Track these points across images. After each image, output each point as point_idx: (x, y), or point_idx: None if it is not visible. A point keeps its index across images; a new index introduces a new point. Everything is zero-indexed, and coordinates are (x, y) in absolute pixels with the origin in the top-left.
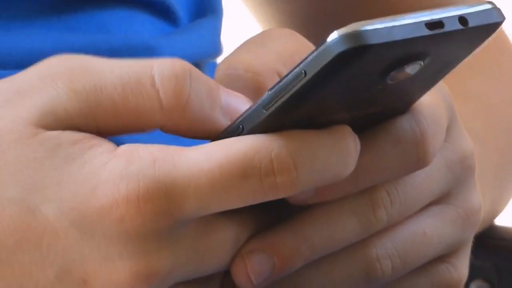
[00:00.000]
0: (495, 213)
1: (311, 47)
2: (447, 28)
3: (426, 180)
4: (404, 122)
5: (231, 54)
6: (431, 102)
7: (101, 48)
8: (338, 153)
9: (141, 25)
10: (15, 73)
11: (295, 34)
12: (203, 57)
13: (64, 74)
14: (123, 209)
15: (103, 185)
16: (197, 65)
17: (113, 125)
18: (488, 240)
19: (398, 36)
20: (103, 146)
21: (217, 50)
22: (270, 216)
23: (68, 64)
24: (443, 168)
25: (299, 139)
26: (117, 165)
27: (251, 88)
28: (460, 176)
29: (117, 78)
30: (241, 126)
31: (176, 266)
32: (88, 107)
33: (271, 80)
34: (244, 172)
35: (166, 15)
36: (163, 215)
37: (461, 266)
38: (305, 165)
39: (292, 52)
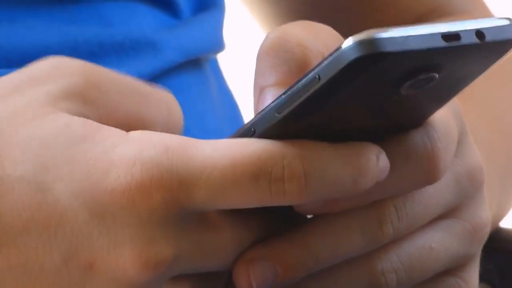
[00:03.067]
0: (500, 217)
1: None
2: (464, 41)
3: (434, 195)
4: (416, 136)
5: (283, 26)
6: (443, 116)
7: (104, 41)
8: (350, 170)
9: (144, 17)
10: None
11: (332, 29)
12: (205, 52)
13: (79, 66)
14: (135, 194)
15: (115, 168)
16: (199, 60)
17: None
18: (491, 243)
19: (413, 46)
20: (113, 130)
21: (220, 45)
22: (276, 223)
23: (80, 61)
24: (452, 182)
25: (313, 151)
26: (130, 149)
27: (299, 61)
28: (469, 190)
29: (135, 86)
30: (253, 129)
31: (181, 256)
32: (103, 100)
33: (318, 61)
34: (256, 174)
35: (169, 8)
36: (173, 204)
37: (471, 280)
38: (315, 177)
39: (334, 44)
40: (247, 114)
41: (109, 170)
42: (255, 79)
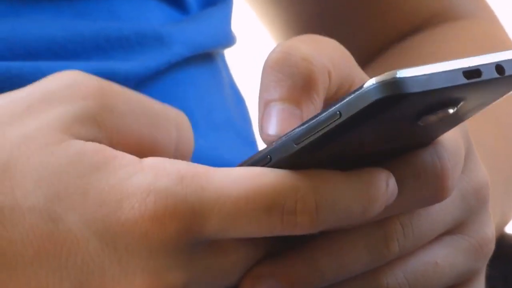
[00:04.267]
0: (505, 223)
1: (352, 58)
2: (485, 76)
3: (440, 212)
4: (426, 156)
5: (289, 41)
6: (452, 135)
7: (111, 36)
8: (360, 200)
9: (152, 11)
10: (26, 64)
11: (338, 43)
12: (214, 47)
13: (94, 86)
14: (148, 225)
15: (129, 198)
16: (209, 54)
17: (129, 151)
18: (495, 249)
19: (435, 85)
20: (127, 157)
21: (229, 39)
22: (282, 240)
23: (94, 79)
24: (458, 199)
25: (325, 183)
26: (144, 179)
27: (303, 76)
28: (474, 206)
29: (147, 106)
30: (269, 156)
31: (191, 282)
32: (116, 124)
33: (323, 76)
34: (269, 207)
35: (177, 2)
36: (185, 233)
37: None
38: (326, 208)
39: (339, 59)
40: (252, 111)
41: (123, 200)
42: (260, 93)
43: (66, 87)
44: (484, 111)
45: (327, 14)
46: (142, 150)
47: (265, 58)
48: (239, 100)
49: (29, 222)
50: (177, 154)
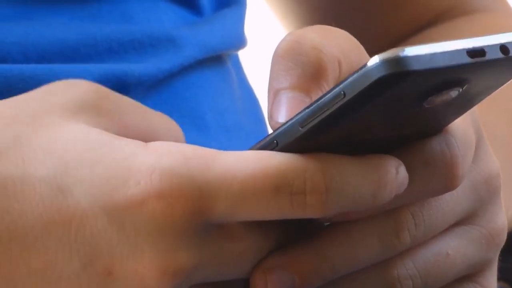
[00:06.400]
0: None
1: (362, 49)
2: (489, 56)
3: (451, 202)
4: (435, 144)
5: (299, 30)
6: (462, 124)
7: (123, 38)
8: (370, 184)
9: (164, 14)
10: (39, 67)
11: (349, 34)
12: (226, 49)
13: (89, 83)
14: (154, 202)
15: (135, 174)
16: (220, 56)
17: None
18: (509, 241)
19: (439, 63)
20: (131, 140)
21: (241, 41)
22: (293, 231)
23: (88, 81)
24: (469, 189)
25: (335, 165)
26: (149, 158)
27: (313, 64)
28: (485, 196)
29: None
30: (275, 141)
31: (200, 266)
32: (117, 109)
33: (333, 65)
34: (277, 186)
35: (190, 5)
36: (193, 214)
37: (489, 285)
38: (335, 190)
39: (349, 49)
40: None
41: (129, 176)
42: (269, 82)
43: (65, 85)
44: (496, 103)
45: (342, 7)
46: (145, 139)
47: (275, 47)
48: (252, 101)
49: (39, 193)
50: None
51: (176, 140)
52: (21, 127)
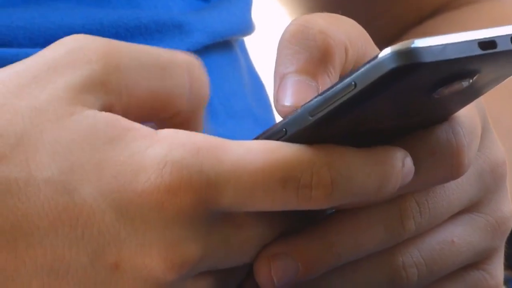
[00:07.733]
0: None
1: (369, 38)
2: (500, 48)
3: (456, 190)
4: (441, 132)
5: (306, 15)
6: (468, 112)
7: (130, 24)
8: (375, 178)
9: (172, 0)
10: None
11: (356, 22)
12: (233, 34)
13: (97, 48)
14: (163, 196)
15: (146, 170)
16: (228, 41)
17: (142, 108)
18: None
19: (450, 55)
20: (142, 130)
21: (248, 27)
22: (297, 218)
23: (98, 40)
24: (474, 177)
25: (341, 158)
26: (160, 150)
27: (320, 48)
28: (491, 184)
29: (155, 57)
30: (284, 129)
31: (206, 256)
32: (125, 84)
33: (340, 50)
34: (284, 180)
35: None
36: (201, 205)
37: (495, 273)
38: (341, 184)
39: (356, 37)
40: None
41: (139, 172)
42: (276, 66)
43: (70, 53)
44: (502, 91)
45: (354, 2)
46: (155, 104)
47: (282, 31)
48: (259, 87)
49: (44, 194)
50: (191, 97)
51: (196, 83)
52: (24, 125)
